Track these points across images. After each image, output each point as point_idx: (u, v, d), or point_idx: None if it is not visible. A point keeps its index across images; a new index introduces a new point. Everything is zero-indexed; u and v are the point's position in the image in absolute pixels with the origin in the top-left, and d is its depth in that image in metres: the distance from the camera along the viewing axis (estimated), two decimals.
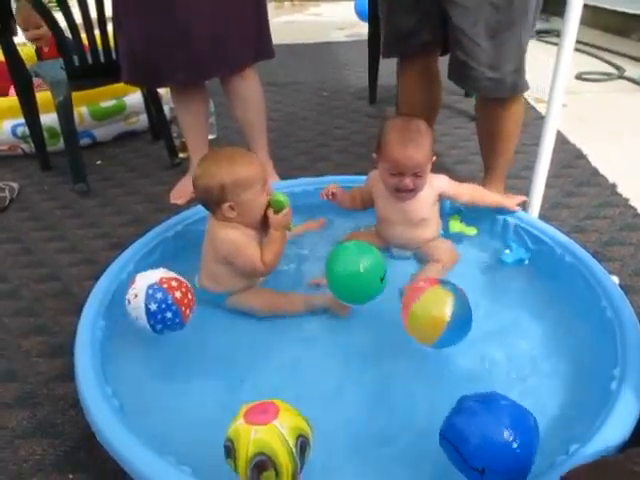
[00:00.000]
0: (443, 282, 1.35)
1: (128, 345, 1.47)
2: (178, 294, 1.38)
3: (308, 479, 1.06)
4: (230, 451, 0.98)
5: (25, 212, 2.49)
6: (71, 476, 1.27)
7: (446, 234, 1.83)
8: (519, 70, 1.88)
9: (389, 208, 1.74)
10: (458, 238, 1.83)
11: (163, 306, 1.36)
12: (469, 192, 1.77)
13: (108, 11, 2.45)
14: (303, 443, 0.99)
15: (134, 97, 3.15)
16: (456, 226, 1.84)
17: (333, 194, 1.78)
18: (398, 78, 2.24)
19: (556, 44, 1.76)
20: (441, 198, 1.77)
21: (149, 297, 1.36)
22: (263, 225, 1.58)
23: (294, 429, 0.99)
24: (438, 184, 1.73)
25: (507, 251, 1.76)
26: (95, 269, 1.89)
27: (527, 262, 1.73)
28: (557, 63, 1.70)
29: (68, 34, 2.43)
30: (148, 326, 1.38)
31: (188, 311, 1.41)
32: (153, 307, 1.35)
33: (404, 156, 1.58)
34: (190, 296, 1.42)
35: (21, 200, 2.60)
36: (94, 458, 1.28)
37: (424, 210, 1.72)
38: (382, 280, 1.44)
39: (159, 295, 1.36)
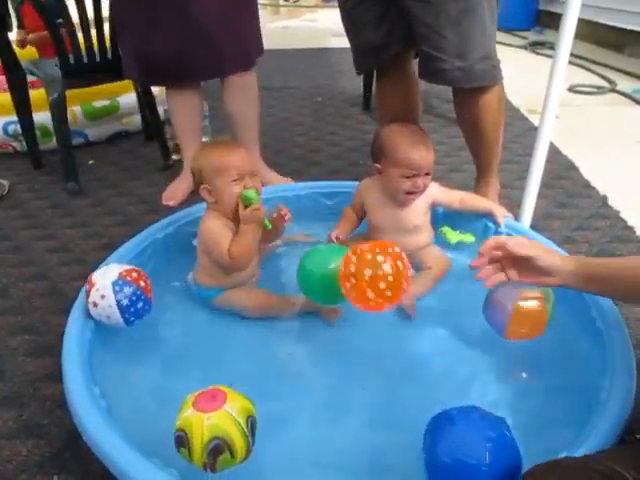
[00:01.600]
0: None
1: (117, 346, 1.47)
2: (142, 283, 1.44)
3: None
4: (183, 440, 1.01)
5: (15, 210, 2.47)
6: (56, 477, 1.25)
7: (445, 245, 1.81)
8: (488, 57, 1.82)
9: (383, 216, 1.75)
10: (449, 246, 1.82)
11: (134, 298, 1.40)
12: (459, 198, 1.80)
13: (105, 11, 2.45)
14: (253, 422, 1.05)
15: (128, 97, 3.14)
16: (454, 236, 1.81)
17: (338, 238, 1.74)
18: (376, 91, 2.24)
19: (550, 56, 1.78)
20: (433, 206, 1.78)
21: (118, 293, 1.39)
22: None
23: (243, 410, 1.04)
24: (431, 191, 1.74)
25: None
26: (85, 269, 1.88)
27: None
28: (551, 75, 1.71)
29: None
30: (122, 321, 1.41)
31: (151, 294, 1.47)
32: (125, 302, 1.39)
33: (419, 157, 1.64)
34: (148, 280, 1.48)
35: (11, 198, 2.58)
36: (80, 459, 1.27)
37: (417, 217, 1.74)
38: None
39: (127, 289, 1.40)
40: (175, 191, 2.45)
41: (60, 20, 2.36)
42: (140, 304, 1.42)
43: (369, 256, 1.30)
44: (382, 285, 1.28)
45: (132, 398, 1.30)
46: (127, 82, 2.85)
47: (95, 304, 1.39)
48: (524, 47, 5.41)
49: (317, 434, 1.25)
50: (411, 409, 1.27)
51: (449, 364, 1.45)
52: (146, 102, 2.88)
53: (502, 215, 1.81)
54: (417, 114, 2.21)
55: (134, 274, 1.44)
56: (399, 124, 1.74)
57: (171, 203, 2.40)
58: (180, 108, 2.41)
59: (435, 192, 1.75)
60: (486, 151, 2.07)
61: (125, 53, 2.35)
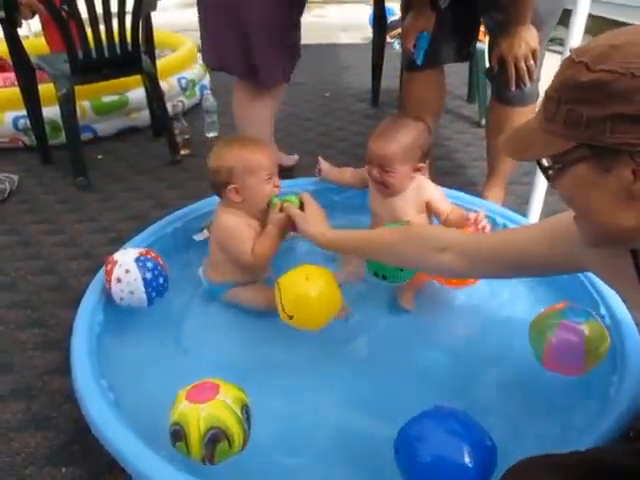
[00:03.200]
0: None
1: (124, 339, 1.48)
2: (160, 261, 1.51)
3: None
4: (180, 434, 1.02)
5: (24, 205, 2.49)
6: (64, 469, 1.27)
7: None
8: (539, 79, 1.96)
9: (375, 203, 1.75)
10: None
11: (156, 272, 1.46)
12: (447, 213, 1.66)
13: (114, 6, 2.46)
14: (247, 410, 1.06)
15: (137, 92, 3.14)
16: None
17: (319, 170, 1.89)
18: (404, 85, 2.27)
19: (560, 52, 1.76)
20: (430, 209, 1.69)
21: (142, 268, 1.44)
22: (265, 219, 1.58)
23: (237, 399, 1.05)
24: (427, 192, 1.66)
25: None
26: (93, 263, 1.89)
27: None
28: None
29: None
30: (144, 297, 1.45)
31: (167, 273, 1.52)
32: (149, 276, 1.44)
33: (374, 147, 1.60)
34: (163, 261, 1.54)
35: (21, 192, 2.59)
36: (88, 452, 1.28)
37: (408, 212, 1.66)
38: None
39: (149, 264, 1.46)
40: None
41: (65, 7, 2.34)
42: (161, 279, 1.47)
43: None
44: None
45: (140, 391, 1.31)
46: (136, 77, 2.85)
47: (119, 279, 1.42)
48: None
49: (317, 427, 1.26)
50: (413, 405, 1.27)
51: (450, 359, 1.45)
52: (155, 98, 2.88)
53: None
54: (438, 117, 2.28)
55: (152, 253, 1.51)
56: (395, 115, 1.75)
57: None
58: (262, 106, 2.31)
59: (430, 193, 1.67)
60: (507, 162, 2.12)
61: (276, 56, 2.19)
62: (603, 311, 1.42)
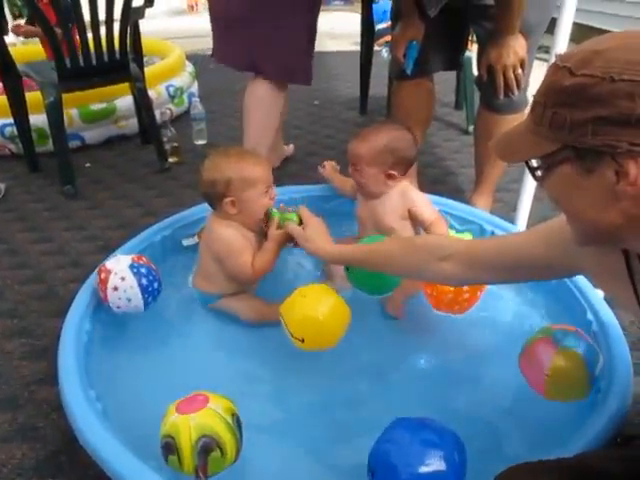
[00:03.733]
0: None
1: (112, 348, 1.47)
2: (153, 266, 1.52)
3: None
4: (171, 446, 1.01)
5: (11, 213, 2.47)
6: None
7: None
8: (527, 87, 1.99)
9: (361, 207, 1.76)
10: None
11: (151, 278, 1.47)
12: (430, 223, 1.64)
13: (102, 14, 2.46)
14: (238, 419, 1.06)
15: (125, 100, 3.13)
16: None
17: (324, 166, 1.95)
18: (393, 94, 2.30)
19: (546, 60, 1.79)
20: (411, 217, 1.68)
21: (137, 275, 1.45)
22: (263, 232, 1.58)
23: (228, 409, 1.05)
24: (411, 198, 1.66)
25: None
26: (81, 272, 1.87)
27: None
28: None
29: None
30: (142, 303, 1.45)
31: (159, 276, 1.53)
32: (145, 282, 1.45)
33: (350, 146, 1.68)
34: (155, 266, 1.55)
35: (7, 201, 2.57)
36: (75, 463, 1.26)
37: (390, 217, 1.67)
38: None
39: (144, 270, 1.47)
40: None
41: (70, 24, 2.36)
42: (156, 284, 1.48)
43: None
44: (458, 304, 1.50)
45: (128, 401, 1.30)
46: (124, 85, 2.85)
47: (116, 288, 1.42)
48: None
49: (305, 437, 1.25)
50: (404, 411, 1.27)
51: (437, 365, 1.46)
52: (143, 105, 2.87)
53: None
54: (427, 125, 2.31)
55: (144, 259, 1.52)
56: (381, 122, 1.77)
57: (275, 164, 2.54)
58: (275, 103, 2.33)
59: (413, 200, 1.66)
60: (495, 168, 2.14)
61: (303, 57, 2.24)
62: (590, 317, 1.43)
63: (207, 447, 1.00)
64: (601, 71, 0.66)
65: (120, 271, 1.43)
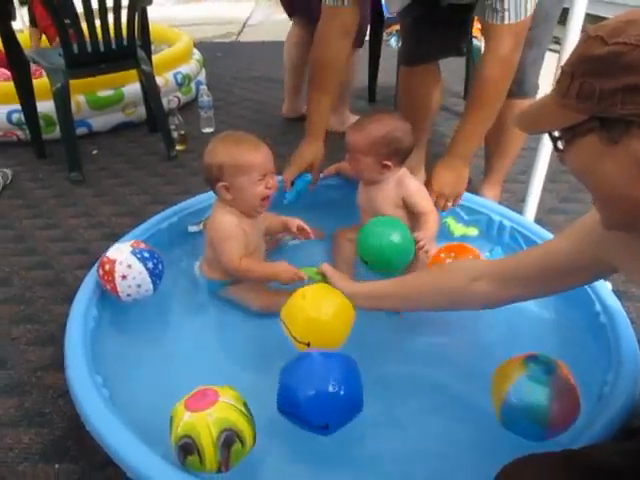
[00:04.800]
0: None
1: (119, 335, 1.47)
2: (153, 248, 1.53)
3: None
4: (190, 447, 0.99)
5: (18, 199, 2.47)
6: (57, 466, 1.26)
7: (450, 238, 1.80)
8: (539, 73, 1.99)
9: (361, 195, 1.76)
10: (452, 237, 1.81)
11: (155, 261, 1.48)
12: (423, 214, 1.65)
13: (109, 0, 2.44)
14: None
15: (132, 87, 3.10)
16: (457, 229, 1.82)
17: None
18: (399, 81, 2.27)
19: (557, 51, 1.76)
20: (405, 205, 1.68)
21: (142, 260, 1.45)
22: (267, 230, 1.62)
23: (237, 398, 1.04)
24: (407, 186, 1.66)
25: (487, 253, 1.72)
26: (88, 258, 1.88)
27: None
28: (557, 68, 1.71)
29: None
30: (151, 287, 1.46)
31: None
32: (151, 265, 1.46)
33: (347, 134, 1.66)
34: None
35: (15, 187, 2.57)
36: (82, 449, 1.27)
37: (386, 205, 1.67)
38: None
39: (146, 254, 1.47)
40: (292, 108, 3.02)
41: (68, 21, 2.35)
42: (160, 266, 1.49)
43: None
44: None
45: (134, 387, 1.30)
46: (132, 72, 2.83)
47: (124, 276, 1.42)
48: None
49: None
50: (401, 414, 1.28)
51: (443, 363, 1.45)
52: (151, 93, 2.85)
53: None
54: (434, 112, 2.28)
55: (142, 244, 1.52)
56: (382, 111, 1.81)
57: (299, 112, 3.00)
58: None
59: (410, 188, 1.66)
60: (504, 159, 2.13)
61: None
62: (598, 308, 1.42)
63: (229, 440, 0.99)
64: (635, 39, 0.65)
65: (125, 259, 1.43)
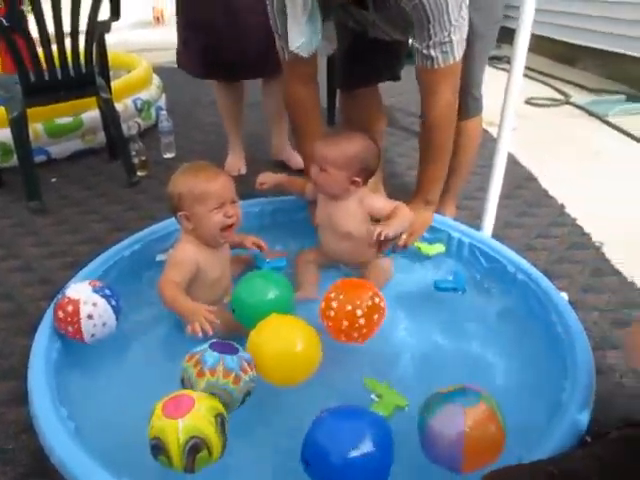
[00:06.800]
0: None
1: (82, 366, 1.46)
2: (108, 284, 1.54)
3: None
4: (160, 448, 1.04)
5: None
6: None
7: (425, 259, 1.87)
8: (481, 92, 2.05)
9: (320, 209, 1.80)
10: (427, 258, 1.87)
11: (115, 297, 1.49)
12: (389, 211, 1.70)
13: (66, 26, 2.44)
14: (222, 419, 1.10)
15: (91, 114, 3.10)
16: (429, 249, 1.86)
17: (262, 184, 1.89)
18: (340, 104, 2.36)
19: (507, 70, 1.84)
20: (372, 218, 1.73)
21: (106, 297, 1.46)
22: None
23: (212, 409, 1.09)
24: (369, 203, 1.73)
25: (450, 277, 1.75)
26: (50, 289, 1.85)
27: (461, 293, 1.70)
28: (507, 87, 1.79)
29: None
30: (114, 324, 1.47)
31: None
32: (113, 302, 1.47)
33: (319, 145, 1.71)
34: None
35: None
36: None
37: (348, 222, 1.73)
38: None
39: (107, 291, 1.48)
40: (235, 164, 2.88)
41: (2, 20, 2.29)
42: (120, 302, 1.50)
43: (349, 307, 1.38)
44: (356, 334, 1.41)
45: (100, 418, 1.28)
46: (91, 99, 2.83)
47: (90, 316, 1.41)
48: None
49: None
50: None
51: (400, 368, 1.48)
52: (110, 119, 2.85)
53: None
54: (380, 128, 2.28)
55: (96, 282, 1.52)
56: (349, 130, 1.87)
57: (240, 172, 2.86)
58: (231, 96, 2.83)
59: (372, 205, 1.73)
60: (458, 177, 2.19)
61: (190, 52, 2.64)
62: (554, 318, 1.48)
63: (196, 447, 1.04)
64: None
65: (89, 298, 1.42)
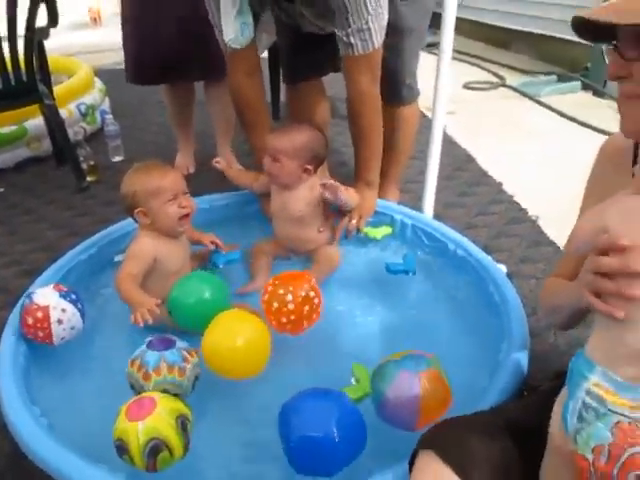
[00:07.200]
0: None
1: (50, 369, 1.50)
2: (72, 288, 1.57)
3: None
4: (122, 448, 1.10)
5: None
6: None
7: (374, 243, 1.96)
8: (416, 79, 2.17)
9: (274, 198, 1.89)
10: (377, 242, 1.95)
11: (80, 300, 1.54)
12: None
13: (2, 30, 2.42)
14: (183, 421, 1.15)
15: (35, 122, 3.07)
16: (376, 233, 1.92)
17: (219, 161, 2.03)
18: (287, 97, 2.44)
19: (435, 54, 1.95)
20: (327, 202, 1.84)
21: (72, 301, 1.49)
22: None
23: (173, 411, 1.14)
24: (317, 184, 1.83)
25: (400, 260, 1.82)
26: (8, 298, 1.87)
27: (412, 275, 1.76)
28: (438, 71, 1.91)
29: None
30: (82, 326, 1.52)
31: None
32: (80, 305, 1.51)
33: (270, 137, 1.82)
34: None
35: None
36: None
37: (300, 206, 1.83)
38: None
39: (73, 296, 1.52)
40: (184, 164, 2.88)
41: None
42: (83, 305, 1.54)
43: (280, 291, 1.45)
44: (284, 319, 1.45)
45: (71, 417, 1.33)
46: (34, 107, 2.81)
47: (60, 321, 1.45)
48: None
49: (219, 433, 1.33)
50: None
51: (348, 346, 1.57)
52: (55, 126, 2.84)
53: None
54: (325, 118, 2.42)
55: (61, 286, 1.55)
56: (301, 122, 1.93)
57: (189, 171, 2.88)
58: (177, 100, 2.80)
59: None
60: (398, 164, 2.31)
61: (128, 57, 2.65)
62: (492, 288, 1.60)
63: (156, 449, 1.09)
64: None
65: (58, 304, 1.46)
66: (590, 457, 0.74)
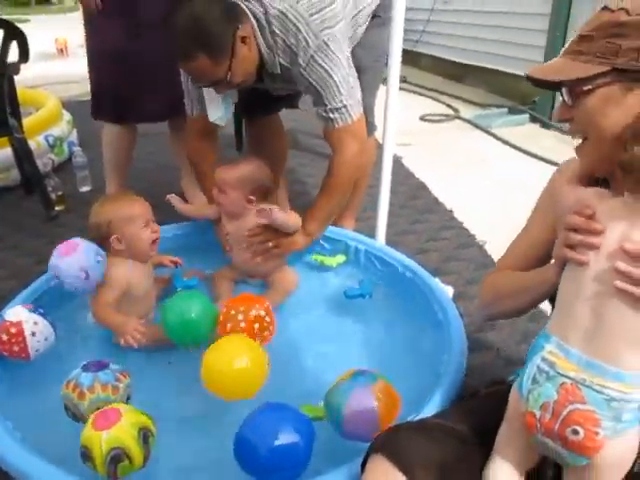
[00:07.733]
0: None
1: (21, 389, 1.56)
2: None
3: None
4: (86, 455, 1.19)
5: None
6: None
7: (328, 270, 2.09)
8: (373, 115, 2.28)
9: (226, 226, 2.02)
10: (332, 269, 2.08)
11: (48, 315, 1.62)
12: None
13: None
14: (145, 433, 1.22)
15: (3, 152, 3.11)
16: (331, 261, 2.06)
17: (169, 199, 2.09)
18: (245, 130, 2.60)
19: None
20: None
21: (42, 315, 1.60)
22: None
23: (136, 423, 1.22)
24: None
25: (357, 285, 1.92)
26: None
27: (368, 297, 1.88)
28: (386, 102, 2.06)
29: None
30: (54, 337, 1.60)
31: None
32: (49, 318, 1.62)
33: (217, 172, 1.95)
34: None
35: None
36: None
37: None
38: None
39: (42, 310, 1.63)
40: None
41: None
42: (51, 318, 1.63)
43: (232, 312, 1.57)
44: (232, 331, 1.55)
45: (44, 434, 1.38)
46: (3, 139, 2.88)
47: (34, 333, 1.54)
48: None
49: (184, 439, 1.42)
50: None
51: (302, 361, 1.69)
52: (24, 156, 2.91)
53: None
54: (283, 160, 2.56)
55: (28, 305, 1.65)
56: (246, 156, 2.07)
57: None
58: (118, 141, 2.71)
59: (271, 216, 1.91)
60: (355, 196, 2.37)
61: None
62: (436, 307, 1.74)
63: (117, 458, 1.18)
64: None
65: (30, 318, 1.55)
66: (538, 414, 0.90)
